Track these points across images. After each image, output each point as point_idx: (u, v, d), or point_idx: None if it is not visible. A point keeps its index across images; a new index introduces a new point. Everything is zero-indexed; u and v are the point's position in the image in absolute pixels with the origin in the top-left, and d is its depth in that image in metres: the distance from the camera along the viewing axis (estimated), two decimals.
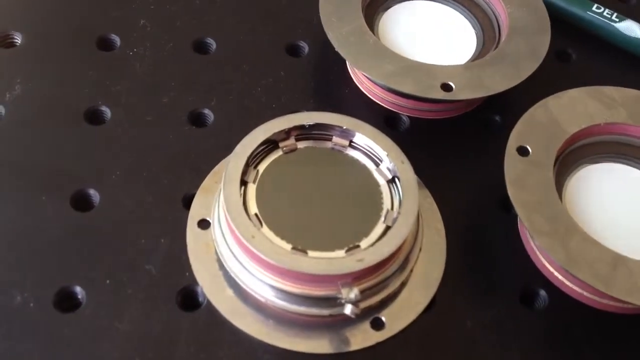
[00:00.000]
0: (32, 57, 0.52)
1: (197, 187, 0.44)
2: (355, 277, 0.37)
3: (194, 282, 0.40)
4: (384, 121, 0.52)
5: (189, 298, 0.41)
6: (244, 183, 0.40)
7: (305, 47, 0.55)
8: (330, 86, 0.53)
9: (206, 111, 0.50)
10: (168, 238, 0.43)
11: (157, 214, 0.44)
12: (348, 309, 0.37)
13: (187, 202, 0.44)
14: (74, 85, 0.50)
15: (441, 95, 0.46)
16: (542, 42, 0.51)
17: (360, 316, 0.38)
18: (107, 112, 0.49)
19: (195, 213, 0.43)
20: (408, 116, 0.51)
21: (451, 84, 0.46)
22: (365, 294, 0.38)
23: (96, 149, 0.47)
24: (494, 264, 0.44)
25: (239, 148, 0.40)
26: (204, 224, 0.42)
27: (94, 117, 0.49)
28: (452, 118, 0.52)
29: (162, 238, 0.43)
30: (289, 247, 0.38)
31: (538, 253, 0.44)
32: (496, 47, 0.52)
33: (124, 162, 0.46)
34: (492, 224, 0.46)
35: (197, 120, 0.50)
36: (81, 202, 0.44)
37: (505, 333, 0.42)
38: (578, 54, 0.59)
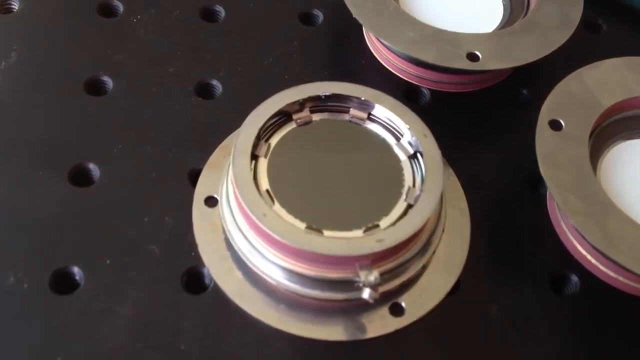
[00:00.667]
0: (29, 23, 0.50)
1: (204, 162, 0.43)
2: (374, 259, 0.35)
3: (200, 263, 0.39)
4: (404, 94, 0.50)
5: (195, 280, 0.39)
6: (254, 157, 0.38)
7: (319, 15, 0.54)
8: (346, 57, 0.51)
9: (214, 82, 0.48)
10: (173, 216, 0.41)
11: (161, 190, 0.42)
12: (366, 293, 0.35)
13: (194, 178, 0.42)
14: (74, 53, 0.49)
15: (467, 65, 0.44)
16: (574, 10, 0.48)
17: (378, 301, 0.36)
18: (108, 82, 0.48)
19: (201, 190, 0.41)
20: (429, 89, 0.50)
21: (478, 53, 0.44)
22: (384, 277, 0.36)
23: (96, 122, 0.45)
24: (521, 246, 0.43)
25: (249, 120, 0.38)
26: (211, 202, 0.41)
27: (94, 88, 0.47)
28: (477, 91, 0.50)
29: (167, 216, 0.41)
30: (303, 226, 0.36)
31: (569, 235, 0.42)
32: (525, 14, 0.50)
33: (126, 136, 0.45)
34: (519, 203, 0.44)
35: (205, 91, 0.48)
36: (80, 178, 0.43)
37: (534, 320, 0.40)
38: (609, 25, 0.56)
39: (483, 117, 0.49)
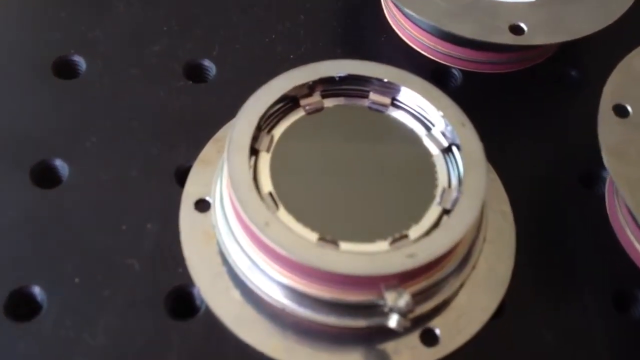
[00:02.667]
0: None
1: (194, 157, 0.41)
2: (404, 278, 0.33)
3: (189, 281, 0.37)
4: (430, 77, 0.47)
5: (183, 302, 0.38)
6: (254, 152, 0.36)
7: None
8: (362, 33, 0.49)
9: (206, 63, 0.47)
10: (156, 223, 0.40)
11: (142, 192, 0.41)
12: (393, 321, 0.32)
13: (182, 177, 0.41)
14: (41, 29, 0.47)
15: (510, 39, 0.41)
16: None
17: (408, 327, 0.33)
18: (81, 63, 0.46)
19: (191, 191, 0.40)
20: (461, 70, 0.47)
21: (522, 25, 0.42)
22: (414, 299, 0.33)
23: (66, 110, 0.43)
24: (577, 257, 0.40)
25: (247, 106, 0.36)
26: (202, 206, 0.39)
27: (64, 69, 0.45)
28: (517, 72, 0.48)
29: (149, 223, 0.40)
30: (314, 237, 0.33)
31: (637, 244, 0.39)
32: None
33: (101, 126, 0.43)
34: (572, 205, 0.42)
35: (196, 73, 0.46)
36: (45, 177, 0.41)
37: (595, 347, 0.37)
38: None
39: (525, 102, 0.46)
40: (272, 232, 0.32)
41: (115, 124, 0.43)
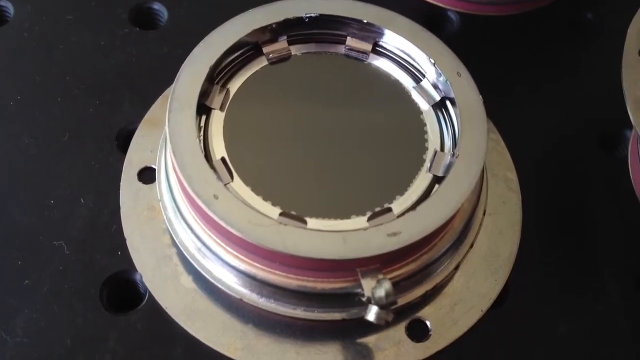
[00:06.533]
0: None
1: (139, 118, 0.39)
2: (385, 262, 0.31)
3: (131, 266, 0.35)
4: (424, 21, 0.44)
5: (122, 292, 0.36)
6: (205, 110, 0.34)
7: None
8: None
9: (156, 6, 0.46)
10: (91, 196, 0.38)
11: (75, 159, 0.39)
12: (372, 314, 0.30)
13: (124, 142, 0.39)
14: None
15: None
16: None
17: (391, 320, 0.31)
18: (8, 8, 0.45)
19: (134, 158, 0.38)
20: (458, 12, 0.46)
21: None
22: (399, 286, 0.32)
23: None
24: (595, 232, 0.39)
25: (195, 54, 0.34)
26: (147, 175, 0.37)
27: None
28: (524, 14, 0.46)
29: (82, 197, 0.38)
30: (276, 212, 0.32)
31: None
32: None
33: (29, 82, 0.41)
34: (589, 171, 0.41)
35: (143, 19, 0.45)
36: None
37: (618, 339, 0.35)
38: None
39: (534, 49, 0.45)
40: (223, 206, 0.30)
41: (45, 79, 0.42)
